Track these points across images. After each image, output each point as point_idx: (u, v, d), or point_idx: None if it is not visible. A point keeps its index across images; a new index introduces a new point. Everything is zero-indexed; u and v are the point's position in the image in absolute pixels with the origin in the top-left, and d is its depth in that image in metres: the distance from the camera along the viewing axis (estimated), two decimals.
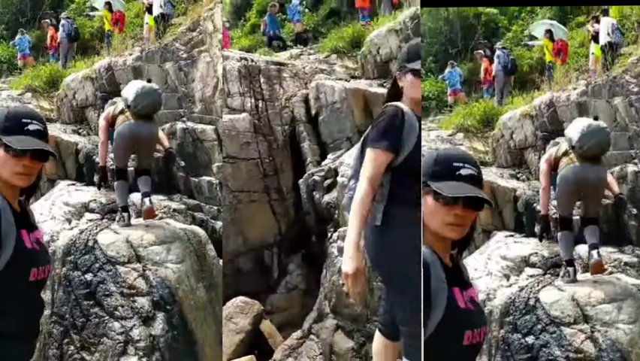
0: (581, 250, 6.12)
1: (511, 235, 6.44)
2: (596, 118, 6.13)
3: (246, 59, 8.77)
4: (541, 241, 6.20)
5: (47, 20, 6.91)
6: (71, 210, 6.44)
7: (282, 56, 9.58)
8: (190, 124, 6.66)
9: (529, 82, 6.75)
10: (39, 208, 6.22)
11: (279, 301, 8.05)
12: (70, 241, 6.23)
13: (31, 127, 3.39)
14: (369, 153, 4.06)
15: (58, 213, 6.42)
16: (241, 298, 7.66)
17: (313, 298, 7.69)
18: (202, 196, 6.60)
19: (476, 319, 3.00)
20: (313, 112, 8.41)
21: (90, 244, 6.20)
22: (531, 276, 6.16)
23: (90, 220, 6.41)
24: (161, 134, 6.51)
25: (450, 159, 3.00)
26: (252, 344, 7.60)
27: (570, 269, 6.01)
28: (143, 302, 6.03)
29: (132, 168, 6.47)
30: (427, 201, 2.98)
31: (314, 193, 8.02)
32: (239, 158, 8.18)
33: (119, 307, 6.03)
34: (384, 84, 8.09)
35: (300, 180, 8.17)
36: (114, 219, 6.40)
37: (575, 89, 6.45)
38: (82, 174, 6.66)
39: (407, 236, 3.90)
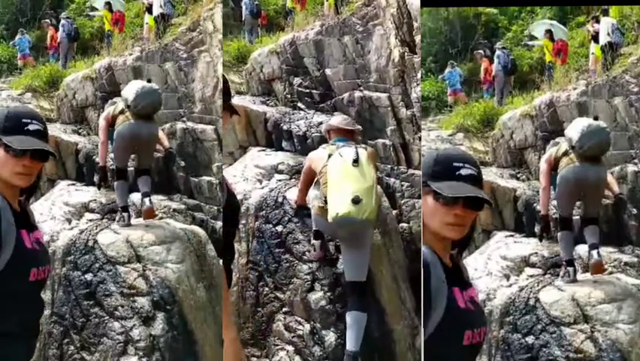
0: (581, 250, 6.11)
1: (511, 235, 6.43)
2: (596, 118, 6.12)
3: None
4: (541, 241, 6.20)
5: (47, 20, 6.90)
6: (71, 210, 6.44)
7: None
8: (190, 124, 6.65)
9: (529, 82, 6.74)
10: (39, 208, 6.22)
11: None
12: (70, 241, 6.23)
13: (31, 127, 3.40)
14: None
15: (58, 213, 6.42)
16: None
17: None
18: (202, 196, 6.59)
19: (476, 319, 3.00)
20: None
21: (90, 244, 6.20)
22: (531, 276, 6.16)
23: (90, 220, 6.41)
24: (161, 134, 6.51)
25: (450, 159, 3.00)
26: None
27: (570, 269, 6.01)
28: (143, 302, 6.03)
29: (132, 168, 6.47)
30: (427, 201, 2.98)
31: None
32: None
33: (119, 307, 6.03)
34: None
35: None
36: (114, 219, 6.40)
37: (575, 89, 6.45)
38: (82, 174, 6.65)
39: None
